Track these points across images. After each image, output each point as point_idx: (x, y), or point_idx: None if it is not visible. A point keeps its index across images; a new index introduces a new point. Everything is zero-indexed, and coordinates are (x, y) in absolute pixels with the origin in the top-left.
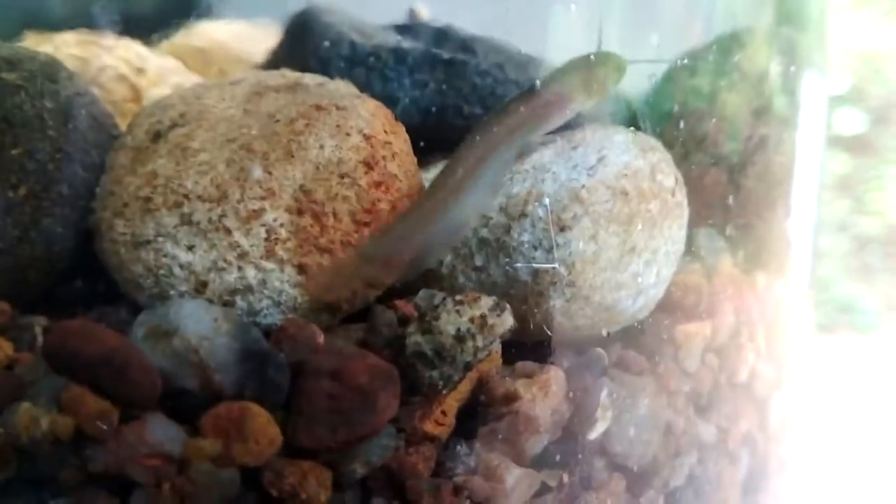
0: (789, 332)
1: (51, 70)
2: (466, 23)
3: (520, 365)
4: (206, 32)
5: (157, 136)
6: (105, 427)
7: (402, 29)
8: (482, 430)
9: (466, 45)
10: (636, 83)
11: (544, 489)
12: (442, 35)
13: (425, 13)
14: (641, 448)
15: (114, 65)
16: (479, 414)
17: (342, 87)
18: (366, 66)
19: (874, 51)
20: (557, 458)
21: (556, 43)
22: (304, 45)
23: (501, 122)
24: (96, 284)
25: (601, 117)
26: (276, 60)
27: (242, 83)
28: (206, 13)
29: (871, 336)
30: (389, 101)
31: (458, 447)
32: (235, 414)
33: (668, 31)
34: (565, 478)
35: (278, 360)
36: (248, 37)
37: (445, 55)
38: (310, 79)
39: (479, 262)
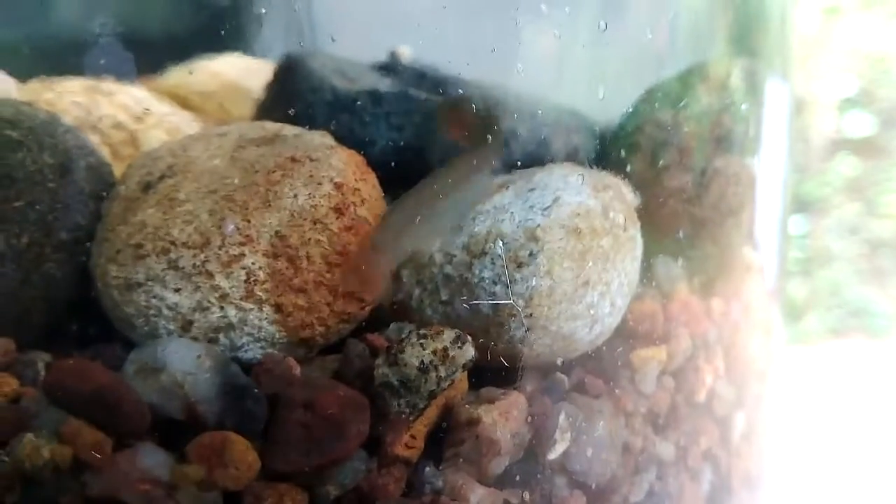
0: (750, 353)
1: (50, 126)
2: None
3: (484, 391)
4: (208, 67)
5: (147, 187)
6: (100, 456)
7: (385, 69)
8: (447, 453)
9: (442, 85)
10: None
11: None
12: (420, 76)
13: (407, 54)
14: (600, 466)
15: (112, 113)
16: (444, 438)
17: (317, 138)
18: (347, 110)
19: (882, 53)
20: (518, 477)
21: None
22: (289, 89)
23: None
24: (93, 324)
25: (570, 152)
26: (267, 102)
27: (227, 135)
28: (214, 44)
29: (884, 340)
30: (369, 143)
31: (427, 469)
32: (217, 442)
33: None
34: (527, 496)
35: (255, 394)
36: (251, 71)
37: (421, 96)
38: (289, 130)
39: (444, 296)
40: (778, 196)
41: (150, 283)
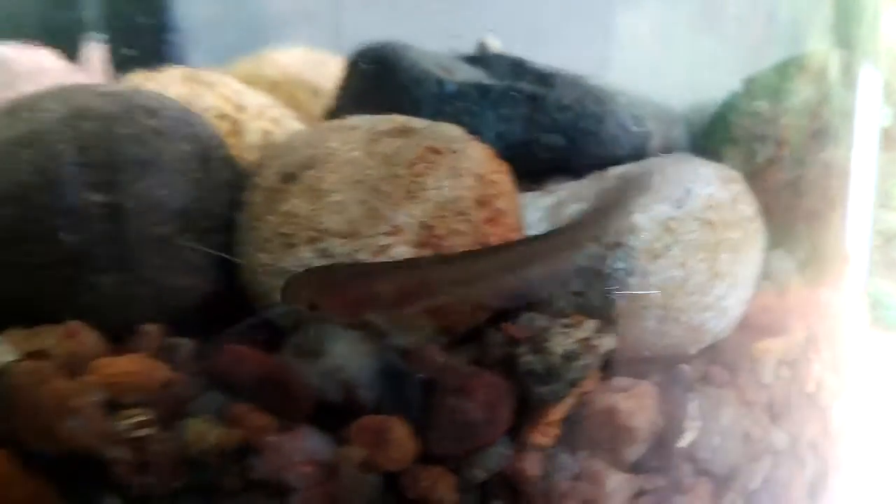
0: (847, 343)
1: (186, 116)
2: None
3: (616, 380)
4: (275, 59)
5: (288, 178)
6: (268, 439)
7: (475, 60)
8: (583, 440)
9: (545, 77)
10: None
11: (641, 493)
12: (518, 67)
13: (497, 45)
14: (724, 455)
15: (216, 104)
16: (579, 425)
17: (452, 130)
18: (454, 102)
19: None
20: (650, 464)
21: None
22: (388, 81)
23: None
24: (235, 310)
25: (669, 145)
26: (352, 95)
27: (358, 128)
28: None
29: None
30: (476, 136)
31: (562, 455)
32: (379, 426)
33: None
34: (659, 482)
35: (413, 379)
36: (313, 63)
37: (528, 89)
38: (417, 122)
39: (577, 287)
40: (871, 187)
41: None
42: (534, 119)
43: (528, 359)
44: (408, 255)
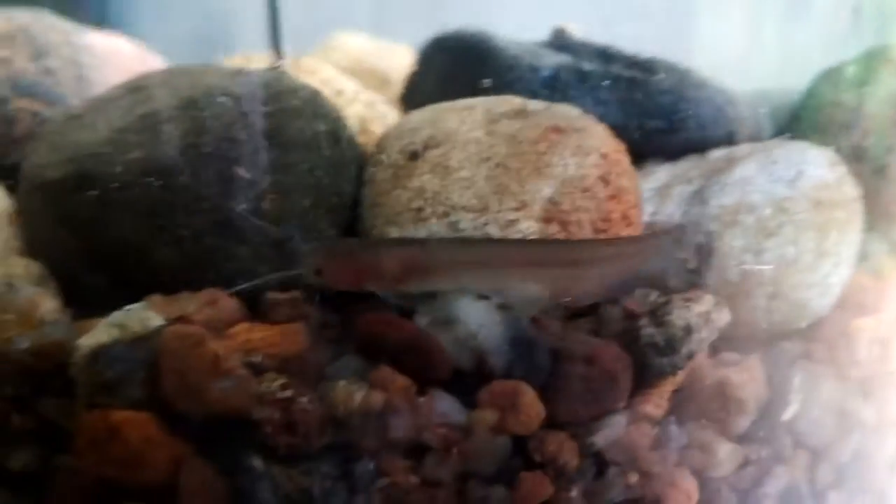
0: None
1: (319, 96)
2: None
3: (725, 354)
4: (344, 47)
5: (413, 156)
6: (413, 401)
7: (557, 47)
8: (693, 411)
9: (639, 63)
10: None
11: (746, 462)
12: (606, 53)
13: (574, 30)
14: (821, 428)
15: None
16: (692, 397)
17: (570, 111)
18: (549, 87)
19: None
20: (757, 435)
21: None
22: (476, 68)
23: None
24: None
25: (755, 132)
26: (433, 80)
27: (474, 109)
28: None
29: None
30: None
31: (672, 426)
32: (510, 391)
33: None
34: (763, 454)
35: (544, 346)
36: (378, 50)
37: (626, 74)
38: (534, 104)
39: (692, 265)
40: None
41: None
42: (633, 103)
43: (649, 331)
44: (534, 230)
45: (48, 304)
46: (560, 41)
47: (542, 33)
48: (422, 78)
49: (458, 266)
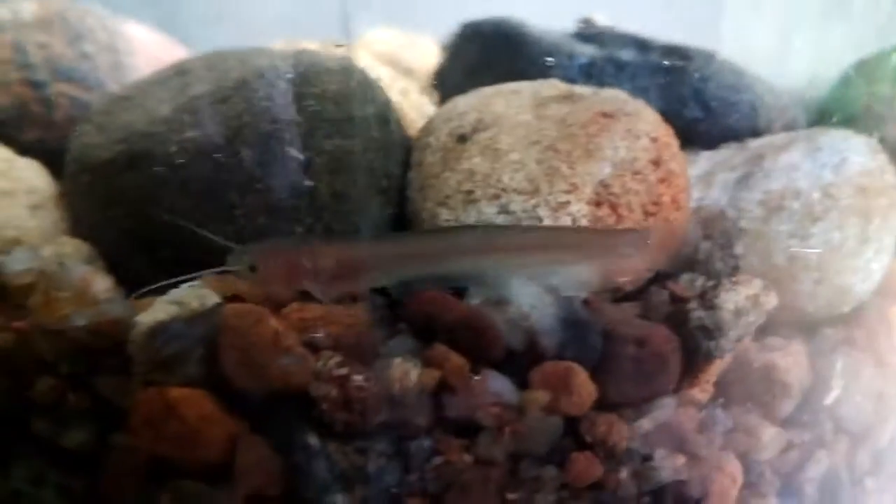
0: None
1: (368, 80)
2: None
3: (769, 339)
4: (370, 40)
5: (462, 139)
6: (467, 380)
7: (586, 37)
8: (740, 395)
9: (676, 51)
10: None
11: (789, 446)
12: (638, 43)
13: (602, 21)
14: (861, 413)
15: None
16: (737, 381)
17: (620, 95)
18: (586, 74)
19: None
20: (800, 419)
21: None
22: (511, 56)
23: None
24: None
25: (788, 122)
26: (464, 69)
27: (520, 93)
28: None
29: None
30: None
31: (717, 410)
32: (562, 372)
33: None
34: (805, 437)
35: (595, 328)
36: (402, 43)
37: (664, 62)
38: (580, 89)
39: (738, 249)
40: None
41: None
42: (671, 91)
43: (699, 314)
44: (585, 213)
45: (101, 283)
46: (588, 30)
47: (559, 23)
48: (453, 65)
49: (396, 263)
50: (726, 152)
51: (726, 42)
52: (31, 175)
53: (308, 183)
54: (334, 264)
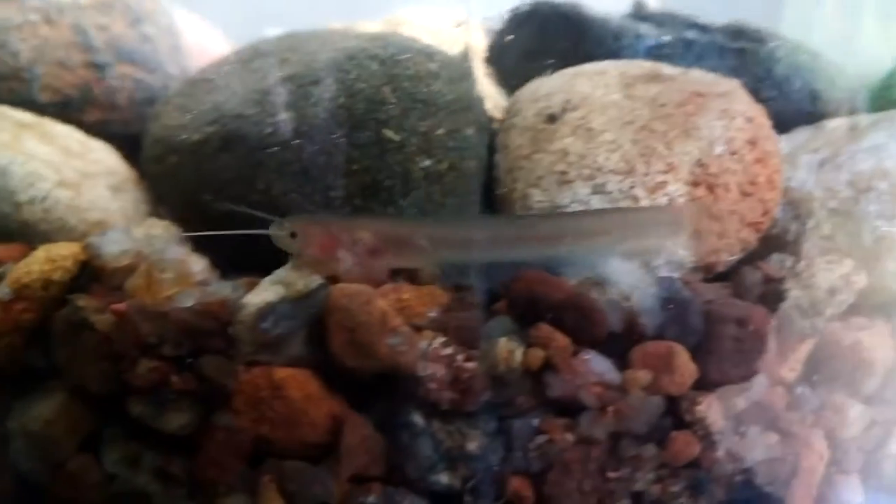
0: None
1: (452, 60)
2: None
3: (854, 319)
4: (407, 19)
5: (551, 119)
6: (569, 359)
7: (643, 18)
8: (826, 374)
9: (746, 33)
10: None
11: (873, 423)
12: (697, 25)
13: (652, 3)
14: None
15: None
16: (826, 360)
17: (706, 76)
18: (654, 56)
19: None
20: (883, 396)
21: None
22: (576, 37)
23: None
24: None
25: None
26: (518, 49)
27: (606, 73)
28: None
29: None
30: None
31: (803, 388)
32: (664, 351)
33: None
34: (888, 414)
35: (697, 308)
36: (438, 21)
37: (733, 44)
38: (668, 69)
39: (826, 230)
40: None
41: (574, 206)
42: (743, 72)
43: (795, 293)
44: (682, 193)
45: (198, 264)
46: (641, 13)
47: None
48: (508, 46)
49: (435, 245)
50: (803, 134)
51: (787, 25)
52: (106, 157)
53: (401, 164)
54: (372, 240)
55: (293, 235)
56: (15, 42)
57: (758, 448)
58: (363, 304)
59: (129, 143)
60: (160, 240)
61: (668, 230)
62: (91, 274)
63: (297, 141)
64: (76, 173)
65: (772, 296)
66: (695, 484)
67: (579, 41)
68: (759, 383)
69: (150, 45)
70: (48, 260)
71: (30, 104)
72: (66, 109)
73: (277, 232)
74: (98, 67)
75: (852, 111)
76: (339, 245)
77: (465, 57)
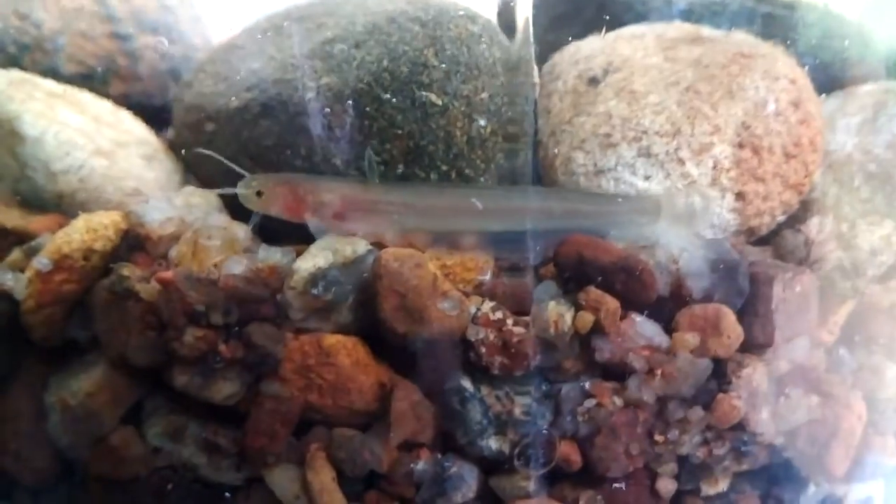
0: None
1: (491, 23)
2: None
3: (891, 282)
4: None
5: (593, 81)
6: (618, 323)
7: None
8: (864, 336)
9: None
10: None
11: None
12: None
13: None
14: None
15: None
16: (864, 322)
17: (747, 37)
18: (684, 19)
19: None
20: None
21: None
22: (604, 3)
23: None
24: None
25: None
26: (543, 15)
27: (644, 36)
28: None
29: None
30: None
31: (841, 351)
32: (711, 314)
33: None
34: None
35: (745, 270)
36: None
37: (764, 8)
38: (708, 31)
39: (865, 193)
40: None
41: (619, 168)
42: (775, 37)
43: (837, 254)
44: (727, 155)
45: (240, 231)
46: None
47: None
48: (536, 13)
49: (402, 211)
50: (837, 99)
51: None
52: (135, 127)
53: (444, 129)
54: (338, 203)
55: (259, 194)
56: (38, 12)
57: (800, 409)
58: (414, 267)
59: (151, 114)
60: (200, 208)
61: (645, 219)
62: (133, 243)
63: (340, 105)
64: (110, 142)
65: (814, 258)
66: (739, 446)
67: (608, 6)
68: (802, 345)
69: (171, 15)
70: (89, 229)
71: (54, 75)
72: (90, 80)
73: (243, 190)
74: (120, 38)
75: (881, 76)
76: (305, 207)
77: (514, 19)
